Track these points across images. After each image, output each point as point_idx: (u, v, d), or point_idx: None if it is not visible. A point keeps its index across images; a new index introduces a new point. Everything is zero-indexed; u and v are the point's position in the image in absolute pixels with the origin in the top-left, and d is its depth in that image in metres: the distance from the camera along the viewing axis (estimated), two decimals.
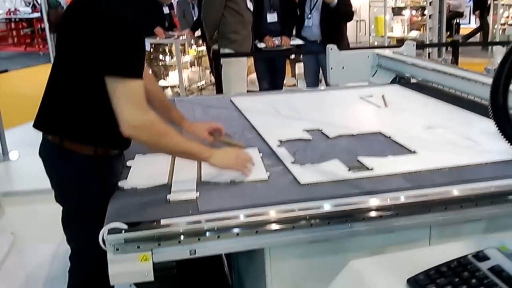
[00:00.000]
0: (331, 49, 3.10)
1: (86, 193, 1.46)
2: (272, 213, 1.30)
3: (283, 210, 1.32)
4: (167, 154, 1.53)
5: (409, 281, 0.57)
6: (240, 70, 3.61)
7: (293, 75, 5.97)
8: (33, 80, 7.72)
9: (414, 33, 6.16)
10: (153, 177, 1.50)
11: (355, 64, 3.18)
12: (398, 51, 3.17)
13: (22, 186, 3.51)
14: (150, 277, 1.25)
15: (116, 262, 1.23)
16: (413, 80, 2.97)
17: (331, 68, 3.14)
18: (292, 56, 5.21)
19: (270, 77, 4.20)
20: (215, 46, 3.77)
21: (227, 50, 3.66)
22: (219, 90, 3.56)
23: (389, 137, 1.89)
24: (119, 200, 1.39)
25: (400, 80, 3.01)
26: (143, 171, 1.56)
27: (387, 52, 3.14)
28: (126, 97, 1.31)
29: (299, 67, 5.63)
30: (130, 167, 1.59)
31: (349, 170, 1.56)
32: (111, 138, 1.46)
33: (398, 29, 6.14)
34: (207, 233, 1.26)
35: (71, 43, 1.43)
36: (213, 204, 1.35)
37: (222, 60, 3.47)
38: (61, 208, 1.57)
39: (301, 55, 4.41)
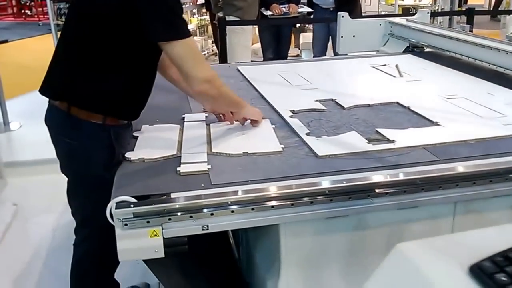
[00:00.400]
0: (343, 16, 2.95)
1: (93, 163, 1.37)
2: (289, 187, 1.21)
3: (300, 184, 1.22)
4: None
5: (472, 269, 0.48)
6: (245, 39, 3.46)
7: (297, 45, 5.79)
8: (33, 50, 7.56)
9: (426, 1, 5.94)
10: (161, 148, 1.40)
11: (366, 33, 3.04)
12: (411, 20, 3.03)
13: (24, 156, 3.43)
14: (161, 253, 1.17)
15: (124, 237, 1.14)
16: (426, 50, 2.87)
17: (342, 37, 3.01)
18: (297, 25, 5.03)
19: (275, 47, 4.05)
20: (220, 14, 3.62)
21: (232, 18, 3.50)
22: (223, 59, 3.41)
23: (408, 108, 1.79)
24: (126, 171, 1.29)
25: (413, 49, 2.88)
26: (150, 142, 1.46)
27: (401, 20, 3.00)
28: (192, 56, 1.33)
29: (304, 37, 5.46)
30: (137, 137, 1.49)
31: (369, 142, 1.47)
32: (122, 107, 1.38)
33: None
34: (221, 208, 1.17)
35: (92, 9, 1.36)
36: (226, 177, 1.26)
37: (227, 28, 3.32)
38: (64, 179, 1.49)
39: (310, 24, 4.23)
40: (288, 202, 1.20)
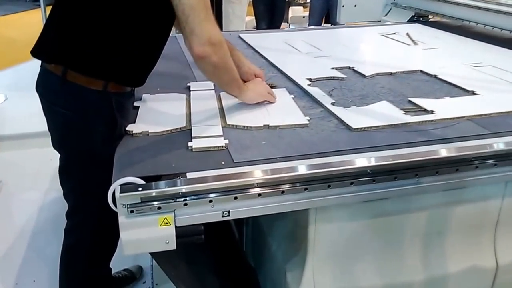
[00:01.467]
0: None
1: (91, 137, 1.11)
2: (326, 165, 0.99)
3: (338, 162, 1.00)
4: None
5: None
6: (240, 9, 3.19)
7: (285, 19, 5.51)
8: (19, 25, 7.07)
9: None
10: (167, 120, 1.16)
11: (368, 2, 2.81)
12: None
13: (9, 130, 3.11)
14: (172, 245, 0.94)
15: (129, 227, 0.90)
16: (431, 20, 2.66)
17: (343, 6, 2.77)
18: None
19: (269, 18, 3.78)
20: None
21: None
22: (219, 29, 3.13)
23: (435, 76, 1.57)
24: (129, 147, 1.04)
25: (419, 19, 2.67)
26: (154, 113, 1.21)
27: None
28: (204, 9, 1.07)
29: (293, 11, 5.19)
30: (138, 108, 1.24)
31: (405, 112, 1.25)
32: (125, 71, 1.12)
33: None
34: (246, 191, 0.94)
35: None
36: (249, 153, 1.02)
37: None
38: (53, 153, 1.22)
39: None
40: (324, 183, 0.98)
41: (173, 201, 0.90)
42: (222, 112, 1.23)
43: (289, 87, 1.46)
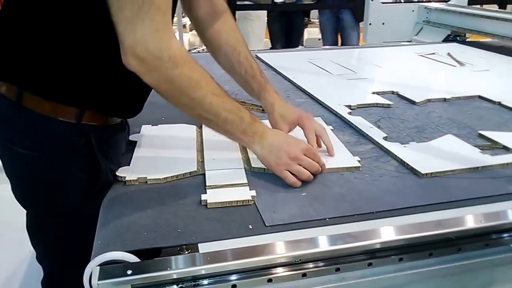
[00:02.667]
0: (372, 0, 2.45)
1: (64, 188, 0.80)
2: (398, 231, 0.69)
3: (412, 225, 0.71)
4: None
5: None
6: (258, 27, 2.93)
7: (301, 42, 5.26)
8: None
9: None
10: (173, 161, 0.87)
11: (397, 20, 2.54)
12: (450, 4, 2.54)
13: None
14: None
15: None
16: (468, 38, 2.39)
17: (370, 24, 2.50)
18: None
19: (285, 38, 3.53)
20: None
21: (246, 3, 2.94)
22: None
23: (498, 103, 1.28)
24: (118, 201, 0.75)
25: (455, 38, 2.40)
26: (155, 152, 0.92)
27: (439, 5, 2.51)
28: (136, 5, 0.67)
29: (309, 33, 4.95)
30: (134, 143, 0.95)
31: (481, 150, 0.96)
32: (107, 94, 0.79)
33: None
34: (285, 269, 0.65)
35: None
36: (285, 211, 0.73)
37: (238, 15, 2.78)
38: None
39: (318, 14, 3.72)
40: (395, 256, 0.69)
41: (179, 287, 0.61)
42: (244, 150, 0.94)
43: (325, 116, 1.18)
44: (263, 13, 2.97)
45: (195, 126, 1.06)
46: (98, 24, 0.72)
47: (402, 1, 2.90)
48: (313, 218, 0.71)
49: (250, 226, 0.68)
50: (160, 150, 0.92)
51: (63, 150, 0.77)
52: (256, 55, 1.91)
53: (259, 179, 0.83)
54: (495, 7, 3.38)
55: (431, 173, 0.86)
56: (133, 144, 0.95)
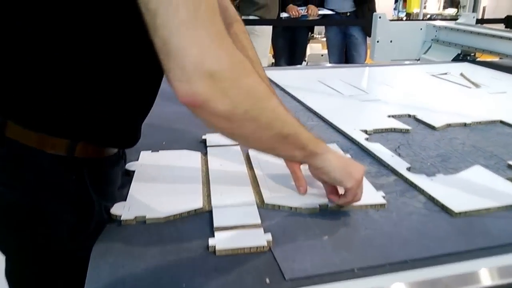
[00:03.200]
0: (380, 17, 2.38)
1: (50, 230, 0.68)
2: (435, 284, 0.60)
3: (454, 277, 0.61)
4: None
5: None
6: (263, 44, 2.84)
7: None
8: None
9: (451, 11, 5.39)
10: (175, 196, 0.77)
11: (405, 38, 2.47)
12: (459, 23, 2.47)
13: None
14: None
15: None
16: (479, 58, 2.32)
17: (377, 41, 2.43)
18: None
19: (289, 54, 3.46)
20: None
21: (251, 17, 2.86)
22: None
23: None
24: (112, 246, 0.65)
25: (465, 57, 2.32)
26: (155, 184, 0.82)
27: (448, 23, 2.44)
28: (193, 8, 0.51)
29: (311, 48, 4.89)
30: (131, 173, 0.86)
31: None
32: (106, 121, 0.68)
33: (432, 5, 5.34)
34: None
35: None
36: (306, 260, 0.63)
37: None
38: None
39: (325, 30, 3.66)
40: None
41: None
42: (254, 182, 0.85)
43: (341, 142, 1.09)
44: (268, 29, 2.89)
45: (199, 153, 0.96)
46: (94, 42, 0.61)
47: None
48: (340, 269, 0.61)
49: (268, 280, 0.58)
50: (160, 182, 0.82)
51: (49, 187, 0.66)
52: None
53: (273, 218, 0.73)
54: (501, 26, 3.32)
55: (465, 211, 0.77)
56: (130, 174, 0.85)
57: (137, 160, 0.91)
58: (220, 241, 0.64)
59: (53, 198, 0.66)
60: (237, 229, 0.68)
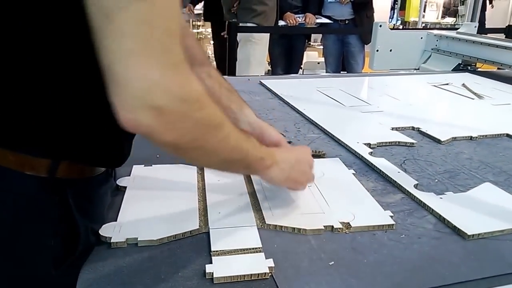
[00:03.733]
0: (380, 26, 2.35)
1: (32, 257, 0.62)
2: None
3: None
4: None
5: None
6: (260, 51, 2.79)
7: None
8: None
9: (450, 19, 5.36)
10: (170, 215, 0.72)
11: (405, 47, 2.44)
12: (460, 32, 2.45)
13: None
14: None
15: None
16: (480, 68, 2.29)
17: (377, 50, 2.40)
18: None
19: (286, 63, 3.42)
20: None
21: (249, 24, 2.79)
22: (231, 74, 2.71)
23: None
24: (100, 274, 0.59)
25: (466, 67, 2.29)
26: (148, 202, 0.77)
27: (449, 32, 2.42)
28: (143, 36, 0.46)
29: (308, 56, 4.86)
30: (123, 191, 0.81)
31: None
32: (92, 138, 0.62)
33: (431, 14, 5.33)
34: None
35: None
36: None
37: (240, 38, 2.65)
38: None
39: (322, 38, 3.62)
40: None
41: None
42: (254, 199, 0.80)
43: (344, 156, 1.04)
44: (266, 36, 2.85)
45: (195, 168, 0.91)
46: (71, 54, 0.56)
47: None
48: None
49: None
50: (154, 200, 0.77)
51: (30, 211, 0.60)
52: (260, 81, 1.78)
53: (274, 240, 0.68)
54: (501, 36, 3.30)
55: (478, 234, 0.72)
56: (121, 189, 0.80)
57: (129, 175, 0.86)
58: (219, 267, 0.60)
59: (33, 222, 0.60)
60: (237, 253, 0.63)
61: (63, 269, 0.61)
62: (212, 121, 0.56)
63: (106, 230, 0.66)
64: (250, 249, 0.64)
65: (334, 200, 0.80)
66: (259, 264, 0.61)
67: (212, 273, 0.58)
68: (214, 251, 0.63)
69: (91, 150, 0.63)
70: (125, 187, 0.80)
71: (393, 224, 0.74)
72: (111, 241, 0.64)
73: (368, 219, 0.74)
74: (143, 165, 0.90)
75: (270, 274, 0.60)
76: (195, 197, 0.79)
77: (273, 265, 0.61)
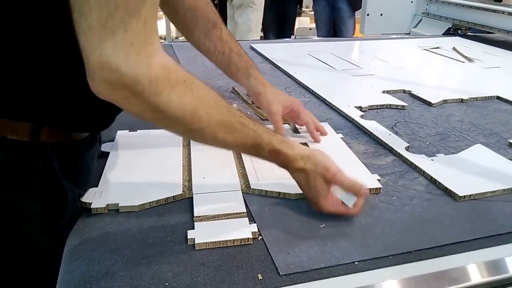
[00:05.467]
0: None
1: (17, 228, 0.59)
2: (442, 278, 0.54)
3: (459, 269, 0.55)
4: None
5: None
6: (259, 17, 2.70)
7: None
8: None
9: None
10: (153, 182, 0.69)
11: (396, 11, 2.38)
12: None
13: None
14: None
15: None
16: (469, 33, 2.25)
17: (367, 15, 2.33)
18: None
19: (278, 28, 3.33)
20: None
21: None
22: None
23: None
24: (86, 240, 0.57)
25: (456, 31, 2.25)
26: (131, 167, 0.73)
27: None
28: (104, 14, 0.45)
29: (300, 22, 4.75)
30: (107, 154, 0.77)
31: None
32: (73, 103, 0.59)
33: None
34: None
35: None
36: (301, 252, 0.56)
37: (239, 4, 2.54)
38: None
39: (313, 3, 3.52)
40: None
41: None
42: (240, 163, 0.77)
43: (334, 120, 1.01)
44: (262, 2, 2.75)
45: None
46: (56, 20, 0.52)
47: None
48: (339, 262, 0.54)
49: (260, 276, 0.51)
50: (137, 165, 0.73)
51: (14, 178, 0.57)
52: (250, 45, 1.73)
53: (261, 204, 0.66)
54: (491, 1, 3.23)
55: (470, 195, 0.70)
56: (106, 156, 0.76)
57: (113, 140, 0.82)
58: (201, 233, 0.57)
59: (19, 188, 0.57)
60: (220, 218, 0.60)
61: (51, 236, 0.58)
62: (176, 110, 0.51)
63: (87, 196, 0.63)
64: (233, 214, 0.61)
65: None
66: (242, 230, 0.58)
67: (194, 239, 0.56)
68: (196, 217, 0.60)
69: (71, 115, 0.59)
70: (108, 154, 0.77)
71: (380, 188, 0.71)
72: (91, 206, 0.61)
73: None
74: (128, 130, 0.87)
75: (254, 239, 0.57)
76: (179, 162, 0.75)
77: (256, 230, 0.59)
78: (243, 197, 0.66)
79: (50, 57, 0.55)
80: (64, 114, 0.58)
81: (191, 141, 0.83)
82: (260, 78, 0.88)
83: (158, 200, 0.64)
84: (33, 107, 0.56)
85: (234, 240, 0.56)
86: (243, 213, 0.62)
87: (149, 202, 0.63)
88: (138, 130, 0.87)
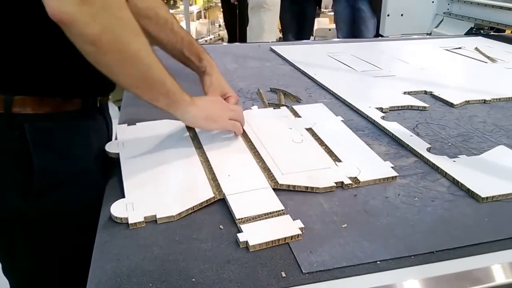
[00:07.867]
0: None
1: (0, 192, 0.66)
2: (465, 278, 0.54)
3: (483, 270, 0.55)
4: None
5: None
6: (272, 18, 2.70)
7: None
8: None
9: None
10: (179, 184, 0.70)
11: (416, 11, 2.36)
12: None
13: None
14: None
15: None
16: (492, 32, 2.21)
17: (388, 15, 2.32)
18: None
19: (297, 29, 3.32)
20: None
21: None
22: (242, 40, 2.63)
23: None
24: (116, 236, 0.58)
25: (479, 31, 2.21)
26: (148, 171, 0.73)
27: None
28: None
29: (318, 22, 4.74)
30: (113, 155, 0.77)
31: None
32: (46, 70, 0.64)
33: None
34: None
35: None
36: (324, 251, 0.57)
37: (252, 6, 2.56)
38: None
39: (332, 3, 3.50)
40: None
41: None
42: (256, 155, 0.78)
43: (355, 121, 1.01)
44: (277, 3, 2.75)
45: (183, 123, 0.87)
46: None
47: None
48: (361, 261, 0.55)
49: (283, 274, 0.53)
50: (153, 167, 0.73)
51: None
52: (270, 47, 1.74)
53: (286, 203, 0.67)
54: None
55: (492, 196, 0.70)
56: (111, 155, 0.78)
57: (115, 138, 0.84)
58: (251, 234, 0.58)
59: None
60: (262, 218, 0.61)
61: (31, 199, 0.63)
62: (133, 24, 0.58)
63: (118, 210, 0.62)
64: (273, 212, 0.62)
65: (335, 153, 0.81)
66: (289, 226, 0.59)
67: (246, 241, 0.57)
68: (239, 219, 0.61)
69: (40, 80, 0.63)
70: (116, 154, 0.77)
71: (396, 176, 0.73)
72: (129, 222, 0.61)
73: (373, 173, 0.73)
74: (126, 124, 0.89)
75: (299, 237, 0.59)
76: (197, 161, 0.76)
77: (302, 225, 0.60)
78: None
79: (14, 27, 0.58)
80: (37, 83, 0.63)
81: (198, 133, 0.85)
82: (211, 62, 0.96)
83: (194, 207, 0.64)
84: (6, 76, 0.61)
85: (285, 237, 0.58)
86: (282, 210, 0.63)
87: (186, 210, 0.63)
88: (137, 123, 0.89)
